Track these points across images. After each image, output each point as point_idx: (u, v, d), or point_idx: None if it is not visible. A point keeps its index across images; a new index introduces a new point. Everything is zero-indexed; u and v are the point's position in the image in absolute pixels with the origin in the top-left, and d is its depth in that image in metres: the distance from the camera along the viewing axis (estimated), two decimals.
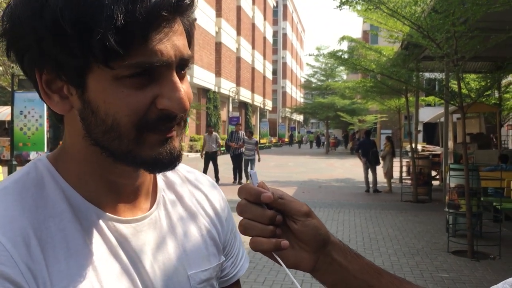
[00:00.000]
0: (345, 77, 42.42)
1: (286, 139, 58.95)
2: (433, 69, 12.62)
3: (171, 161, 0.71)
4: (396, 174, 15.37)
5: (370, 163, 13.43)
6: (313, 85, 42.75)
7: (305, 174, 18.57)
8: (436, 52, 7.03)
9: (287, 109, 62.13)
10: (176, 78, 0.68)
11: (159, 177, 0.85)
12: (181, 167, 0.90)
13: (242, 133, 14.83)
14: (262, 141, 41.19)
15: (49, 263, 0.66)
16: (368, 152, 13.50)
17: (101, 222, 0.72)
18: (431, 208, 10.75)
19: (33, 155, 20.53)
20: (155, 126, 0.68)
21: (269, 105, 58.22)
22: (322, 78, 41.13)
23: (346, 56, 9.75)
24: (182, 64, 0.70)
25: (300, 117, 75.69)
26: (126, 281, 0.72)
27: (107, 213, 0.74)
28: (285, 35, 70.34)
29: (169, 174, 0.87)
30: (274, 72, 66.72)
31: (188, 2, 0.68)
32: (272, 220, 0.72)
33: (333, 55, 9.66)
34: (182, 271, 0.80)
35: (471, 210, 6.70)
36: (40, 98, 0.72)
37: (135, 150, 0.68)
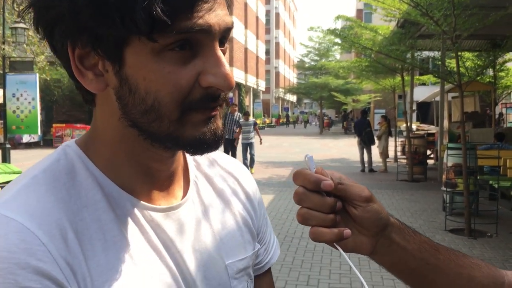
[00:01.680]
0: (338, 56, 42.25)
1: (282, 120, 59.02)
2: (429, 47, 12.55)
3: (215, 141, 0.66)
4: (391, 153, 15.41)
5: (364, 143, 13.44)
6: (307, 65, 42.58)
7: (299, 154, 18.57)
8: (435, 30, 6.96)
9: (280, 90, 61.95)
10: (220, 53, 0.64)
11: (190, 162, 0.81)
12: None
13: (237, 114, 13.11)
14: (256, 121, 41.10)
15: (87, 257, 0.62)
16: (362, 132, 13.50)
17: (136, 211, 0.68)
18: (427, 187, 10.81)
19: (26, 137, 20.38)
20: (199, 105, 0.63)
21: (262, 85, 57.98)
22: (315, 58, 40.93)
23: (345, 34, 9.62)
24: (224, 36, 0.65)
25: (293, 98, 75.54)
26: (165, 273, 0.68)
27: (142, 201, 0.69)
28: (277, 14, 69.68)
29: (199, 158, 0.83)
30: (267, 52, 66.22)
31: None
32: (332, 209, 0.68)
33: (332, 32, 9.55)
34: (219, 261, 0.76)
35: (469, 189, 6.72)
36: (70, 76, 0.66)
37: (177, 131, 0.64)
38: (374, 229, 0.72)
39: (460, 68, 6.87)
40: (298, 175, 0.69)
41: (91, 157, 0.69)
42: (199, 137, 0.64)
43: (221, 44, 0.65)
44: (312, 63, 41.22)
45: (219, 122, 0.67)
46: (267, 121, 51.27)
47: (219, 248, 0.77)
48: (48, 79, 16.91)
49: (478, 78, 9.50)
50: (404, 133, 13.78)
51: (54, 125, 22.63)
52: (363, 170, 13.57)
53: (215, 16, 0.62)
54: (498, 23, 7.39)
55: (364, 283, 0.68)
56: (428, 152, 13.85)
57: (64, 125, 22.37)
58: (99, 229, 0.64)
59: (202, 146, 0.66)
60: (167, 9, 0.57)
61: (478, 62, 8.68)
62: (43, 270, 0.57)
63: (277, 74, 70.87)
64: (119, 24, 0.57)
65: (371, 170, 13.49)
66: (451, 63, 10.63)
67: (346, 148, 21.69)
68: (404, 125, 13.76)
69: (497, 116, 17.63)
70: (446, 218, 7.02)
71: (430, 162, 14.01)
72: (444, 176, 7.82)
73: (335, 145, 24.58)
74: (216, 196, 0.82)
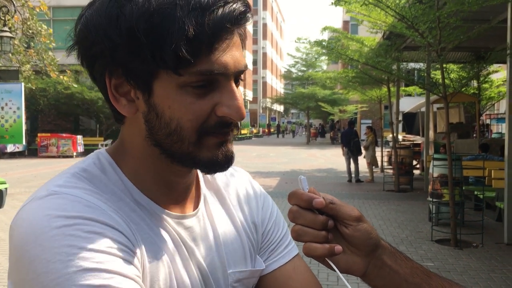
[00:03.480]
0: (325, 67, 42.50)
1: (272, 129, 59.34)
2: (414, 59, 12.70)
3: (226, 162, 0.77)
4: (377, 163, 15.49)
5: (352, 153, 13.50)
6: (294, 75, 42.70)
7: (287, 165, 18.60)
8: (420, 42, 7.05)
9: (267, 100, 62.14)
10: (235, 88, 0.74)
11: (201, 178, 0.91)
12: None
13: None
14: (243, 131, 41.08)
15: (134, 232, 0.73)
16: (350, 142, 13.58)
17: (156, 213, 0.79)
18: (413, 197, 10.88)
19: (10, 147, 20.10)
20: (213, 131, 0.73)
21: (249, 95, 58.09)
22: (302, 68, 41.07)
23: (332, 45, 9.70)
24: (239, 75, 0.75)
25: (280, 108, 75.78)
26: (185, 270, 0.78)
27: (160, 207, 0.79)
28: (265, 25, 70.02)
29: (209, 175, 0.93)
30: (255, 62, 66.48)
31: (248, 16, 0.73)
32: (324, 226, 0.73)
33: (319, 43, 9.63)
34: (222, 268, 0.85)
35: (454, 199, 6.77)
36: (107, 102, 0.77)
37: (194, 152, 0.74)
38: (365, 248, 0.75)
39: (445, 80, 6.96)
40: (292, 195, 0.75)
41: (119, 165, 0.79)
42: (212, 158, 0.75)
43: (236, 81, 0.76)
44: (299, 73, 41.31)
45: (230, 146, 0.78)
46: (254, 131, 51.30)
47: (222, 258, 0.85)
48: (34, 88, 16.75)
49: (463, 89, 9.63)
50: (391, 144, 13.87)
51: (39, 134, 22.39)
52: (350, 180, 13.62)
53: (231, 57, 0.72)
54: (482, 36, 7.51)
55: None
56: (414, 162, 13.96)
57: (49, 134, 22.15)
58: (133, 219, 0.75)
59: (215, 166, 0.76)
60: (189, 49, 0.67)
61: (463, 74, 8.79)
62: (111, 224, 0.69)
63: (265, 84, 71.09)
64: (150, 60, 0.68)
65: (358, 180, 13.55)
66: (436, 75, 10.76)
67: (333, 158, 21.77)
68: (391, 135, 13.86)
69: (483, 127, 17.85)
70: (432, 229, 7.07)
71: (416, 172, 14.12)
72: (430, 187, 7.88)
73: (322, 155, 24.66)
74: (223, 211, 0.91)
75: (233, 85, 0.74)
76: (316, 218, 0.72)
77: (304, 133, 58.66)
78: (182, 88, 0.70)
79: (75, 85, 20.46)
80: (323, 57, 25.61)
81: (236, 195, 0.95)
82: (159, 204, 0.79)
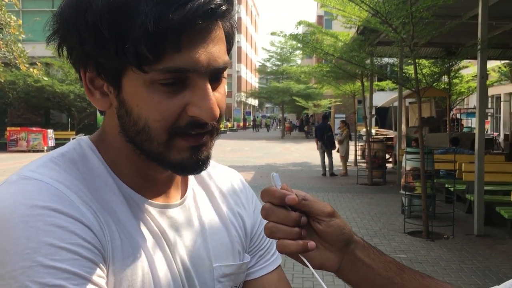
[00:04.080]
0: (299, 62, 42.66)
1: (249, 124, 59.36)
2: (388, 54, 12.86)
3: (197, 167, 0.74)
4: (351, 157, 15.68)
5: (326, 146, 13.62)
6: (269, 69, 42.74)
7: (261, 159, 18.64)
8: (394, 38, 7.13)
9: (242, 94, 62.06)
10: (208, 87, 0.70)
11: None
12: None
13: None
14: None
15: (107, 224, 0.70)
16: (323, 136, 13.68)
17: (138, 201, 0.77)
18: (386, 190, 11.05)
19: None
20: (185, 131, 0.71)
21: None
22: (277, 62, 41.12)
23: (307, 39, 9.73)
24: (217, 73, 0.71)
25: (255, 102, 75.79)
26: (165, 263, 0.76)
27: (141, 196, 0.77)
28: (239, 19, 69.75)
29: None
30: (229, 57, 66.26)
31: (225, 8, 0.68)
32: (297, 222, 0.72)
33: (295, 37, 9.64)
34: (207, 262, 0.82)
35: (426, 192, 6.90)
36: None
37: (164, 152, 0.72)
38: (338, 244, 0.75)
39: (418, 75, 7.07)
40: (265, 192, 0.73)
41: (100, 152, 0.78)
42: (182, 161, 0.72)
43: (216, 78, 0.72)
44: (274, 67, 41.38)
45: (206, 151, 0.74)
46: (229, 125, 51.21)
47: (208, 251, 0.83)
48: (3, 81, 16.32)
49: (434, 84, 9.81)
50: (364, 138, 14.04)
51: (8, 128, 21.84)
52: (324, 174, 13.74)
53: (205, 54, 0.68)
54: (453, 32, 7.65)
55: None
56: (387, 156, 14.18)
57: (19, 128, 21.62)
58: (112, 209, 0.72)
59: (184, 169, 0.74)
60: (151, 46, 0.64)
61: (434, 69, 8.95)
62: (76, 217, 0.66)
63: (239, 78, 70.97)
64: (114, 55, 0.66)
65: (332, 174, 13.68)
66: (409, 70, 10.91)
67: (308, 152, 21.91)
68: (364, 129, 14.02)
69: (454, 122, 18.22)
70: (404, 221, 7.19)
71: (389, 166, 14.34)
72: (402, 180, 8.01)
73: (297, 149, 24.80)
74: (210, 203, 0.89)
75: (207, 84, 0.69)
76: (289, 215, 0.72)
77: (278, 127, 58.94)
78: (149, 85, 0.68)
79: (46, 78, 20.04)
80: (297, 51, 25.67)
81: (226, 190, 0.93)
82: (141, 193, 0.77)
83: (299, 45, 10.52)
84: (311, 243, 0.72)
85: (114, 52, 0.66)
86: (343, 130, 14.18)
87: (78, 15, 0.68)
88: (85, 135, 0.83)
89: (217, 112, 0.70)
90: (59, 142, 21.71)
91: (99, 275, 0.65)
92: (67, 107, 24.16)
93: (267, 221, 0.73)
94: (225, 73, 0.74)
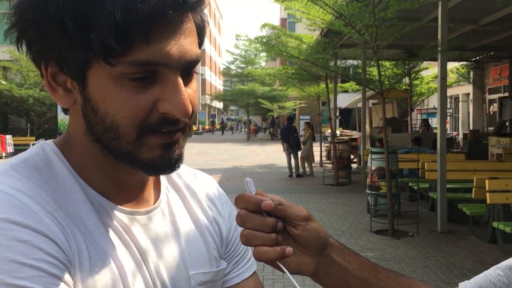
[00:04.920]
0: (264, 64, 42.84)
1: (217, 126, 59.27)
2: (352, 56, 13.07)
3: (169, 166, 0.70)
4: (317, 158, 15.84)
5: (292, 148, 13.71)
6: (233, 72, 42.75)
7: (228, 161, 18.59)
8: (357, 40, 7.25)
9: (207, 97, 61.83)
10: (179, 81, 0.66)
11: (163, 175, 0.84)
12: (182, 166, 0.85)
13: None
14: None
15: (73, 234, 0.65)
16: (289, 138, 13.77)
17: (107, 208, 0.72)
18: (352, 190, 11.21)
19: None
20: (156, 129, 0.67)
21: None
22: (241, 65, 41.19)
23: (272, 42, 9.79)
24: (189, 67, 0.68)
25: (220, 104, 75.64)
26: (138, 273, 0.72)
27: (110, 202, 0.72)
28: None
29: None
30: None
31: (195, 0, 0.66)
32: (274, 228, 0.71)
33: (259, 40, 9.68)
34: (183, 270, 0.79)
35: (391, 191, 7.04)
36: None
37: (133, 151, 0.68)
38: (314, 248, 0.75)
39: (381, 76, 7.20)
40: (240, 198, 0.71)
41: (66, 157, 0.72)
42: (153, 159, 0.68)
43: (187, 73, 0.68)
44: (239, 70, 41.44)
45: (178, 149, 0.70)
46: (194, 128, 50.91)
47: (184, 258, 0.79)
48: None
49: (396, 85, 10.03)
50: (329, 139, 14.21)
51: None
52: (290, 175, 13.82)
53: (176, 47, 0.64)
54: (414, 34, 7.85)
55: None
56: (351, 156, 14.40)
57: None
58: (79, 218, 0.67)
59: (155, 168, 0.69)
60: (119, 37, 0.60)
61: (397, 71, 9.16)
62: (39, 230, 0.60)
63: (204, 81, 70.65)
64: (78, 48, 0.62)
65: (299, 175, 13.78)
66: (372, 71, 11.12)
67: (274, 154, 22.00)
68: (329, 130, 14.19)
69: (415, 122, 18.67)
70: (371, 220, 7.31)
71: (354, 166, 14.56)
72: (368, 180, 8.15)
73: (263, 151, 24.87)
74: (185, 209, 0.85)
75: (178, 78, 0.66)
76: (265, 221, 0.70)
77: (243, 129, 59.05)
78: (117, 80, 0.64)
79: (4, 82, 19.40)
80: (262, 54, 25.83)
81: (201, 195, 0.89)
82: (110, 199, 0.72)
83: (263, 47, 10.57)
84: (289, 249, 0.70)
85: (79, 44, 0.62)
86: (306, 132, 14.33)
87: (39, 5, 0.63)
88: (45, 140, 0.78)
89: (190, 108, 0.66)
90: (18, 148, 21.00)
91: None
92: (26, 112, 23.43)
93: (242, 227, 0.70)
94: (197, 68, 0.71)
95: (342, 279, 0.76)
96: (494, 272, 0.77)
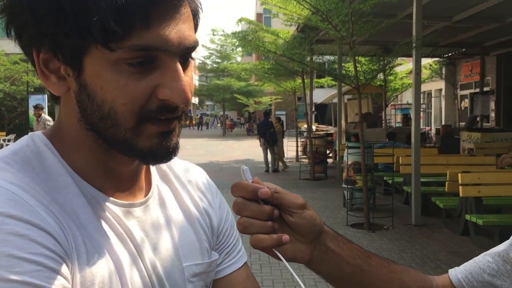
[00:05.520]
0: (239, 59, 42.74)
1: (196, 120, 59.06)
2: (329, 52, 13.16)
3: (167, 154, 0.69)
4: (292, 153, 15.95)
5: (268, 143, 13.75)
6: (209, 67, 42.51)
7: (204, 157, 18.53)
8: (334, 35, 7.31)
9: None
10: (179, 67, 0.65)
11: (152, 166, 0.83)
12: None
13: None
14: None
15: (69, 228, 0.64)
16: (265, 133, 13.80)
17: (103, 204, 0.70)
18: (328, 184, 11.31)
19: None
20: (155, 116, 0.66)
21: None
22: (217, 60, 40.99)
23: (249, 37, 9.78)
24: (187, 53, 0.67)
25: (195, 100, 75.21)
26: (134, 265, 0.71)
27: (104, 194, 0.71)
28: None
29: (162, 164, 0.84)
30: None
31: None
32: (270, 216, 0.71)
33: (236, 35, 9.65)
34: (177, 262, 0.78)
35: (367, 185, 7.14)
36: (40, 77, 0.69)
37: (131, 139, 0.66)
38: (310, 235, 0.76)
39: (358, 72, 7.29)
40: (236, 186, 0.72)
41: (57, 148, 0.70)
42: (151, 148, 0.67)
43: (185, 60, 0.67)
44: (214, 65, 41.21)
45: (175, 138, 0.69)
46: None
47: (177, 250, 0.78)
48: None
49: (372, 81, 10.17)
50: (305, 134, 14.30)
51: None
52: (267, 171, 13.86)
53: (175, 32, 0.63)
54: (390, 30, 7.95)
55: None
56: (327, 151, 14.53)
57: None
58: (74, 212, 0.66)
59: (154, 157, 0.69)
60: (119, 20, 0.59)
61: (373, 67, 9.27)
62: (36, 223, 0.59)
63: None
64: (75, 32, 0.60)
65: (275, 170, 13.83)
66: (348, 67, 11.24)
67: (250, 149, 22.02)
68: (305, 126, 14.28)
69: (389, 117, 18.91)
70: (347, 214, 7.40)
71: (329, 161, 14.69)
72: (344, 174, 8.24)
73: (239, 146, 24.86)
74: (176, 202, 0.83)
75: (178, 64, 0.65)
76: (262, 209, 0.71)
77: (219, 125, 58.92)
78: (115, 66, 0.62)
79: None
80: (239, 49, 25.86)
81: (191, 186, 0.88)
82: (104, 192, 0.71)
83: (238, 42, 10.55)
84: (285, 237, 0.71)
85: (76, 29, 0.60)
86: (276, 126, 14.38)
87: None
88: (16, 135, 0.75)
89: (189, 95, 0.66)
90: None
91: (65, 287, 0.59)
92: None
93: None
94: (193, 54, 0.70)
95: (336, 266, 0.78)
96: (483, 258, 0.79)
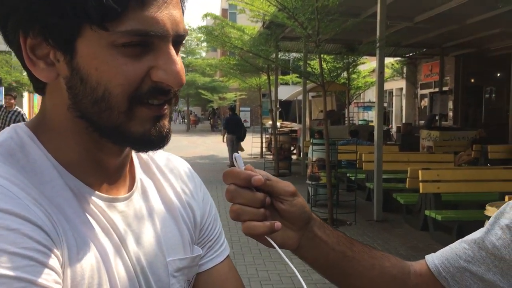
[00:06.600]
0: (204, 54, 42.48)
1: None
2: (295, 49, 13.24)
3: (160, 140, 0.68)
4: (257, 149, 15.99)
5: (239, 139, 13.70)
6: None
7: (169, 151, 18.32)
8: (300, 33, 7.37)
9: None
10: (173, 51, 0.65)
11: (135, 159, 0.82)
12: None
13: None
14: None
15: (58, 221, 0.63)
16: (236, 129, 13.72)
17: (88, 197, 0.69)
18: (292, 181, 11.15)
19: None
20: (148, 99, 0.65)
21: None
22: (182, 55, 40.46)
23: (215, 33, 9.73)
24: (177, 40, 0.67)
25: None
26: (119, 258, 0.70)
27: (89, 187, 0.70)
28: None
29: (144, 156, 0.84)
30: None
31: None
32: (263, 203, 0.72)
33: (202, 30, 9.58)
34: (161, 257, 0.77)
35: (331, 182, 7.24)
36: (22, 66, 0.67)
37: (124, 124, 0.65)
38: (299, 222, 0.77)
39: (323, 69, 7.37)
40: (229, 174, 0.72)
41: (41, 140, 0.69)
42: (144, 133, 0.66)
43: (177, 44, 0.67)
44: None
45: (167, 122, 0.69)
46: None
47: (160, 244, 0.78)
48: None
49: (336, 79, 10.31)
50: (270, 130, 14.37)
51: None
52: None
53: (168, 17, 0.63)
54: (355, 29, 8.08)
55: (302, 280, 0.71)
56: (292, 148, 14.65)
57: None
58: (60, 205, 0.65)
59: (147, 143, 0.67)
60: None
61: (338, 65, 9.40)
62: (27, 217, 0.58)
63: None
64: (70, 13, 0.59)
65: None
66: (314, 65, 11.34)
67: (214, 145, 21.95)
68: (270, 122, 14.35)
69: (352, 115, 19.24)
70: (311, 210, 7.46)
71: (293, 157, 14.82)
72: (308, 170, 8.33)
73: (203, 142, 24.73)
74: (158, 195, 0.83)
75: (172, 48, 0.65)
76: (254, 196, 0.71)
77: (183, 121, 58.36)
78: (111, 46, 0.61)
79: None
80: (203, 44, 25.61)
81: (174, 178, 0.87)
82: (88, 185, 0.70)
83: (204, 37, 10.49)
84: (278, 224, 0.72)
85: (71, 8, 0.59)
86: None
87: None
88: None
89: (184, 77, 0.66)
90: None
91: (57, 282, 0.58)
92: None
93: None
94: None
95: (322, 253, 0.80)
96: (459, 245, 0.82)
